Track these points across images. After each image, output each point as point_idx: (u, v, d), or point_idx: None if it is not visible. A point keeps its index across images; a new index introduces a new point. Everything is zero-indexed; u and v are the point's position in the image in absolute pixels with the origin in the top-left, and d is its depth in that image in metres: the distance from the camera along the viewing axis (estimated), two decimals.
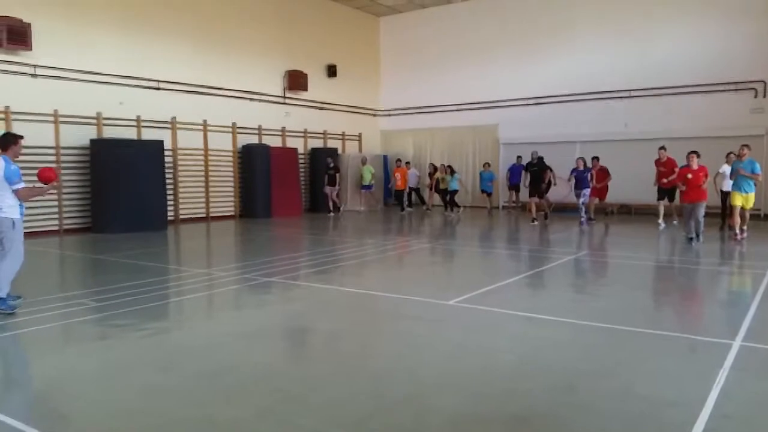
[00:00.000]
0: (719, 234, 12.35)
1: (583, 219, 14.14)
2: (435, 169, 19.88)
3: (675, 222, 14.00)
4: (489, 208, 18.77)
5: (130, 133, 14.87)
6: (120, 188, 13.68)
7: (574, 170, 14.08)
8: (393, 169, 20.31)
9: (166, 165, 15.26)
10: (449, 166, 18.97)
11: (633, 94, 18.17)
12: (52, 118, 13.50)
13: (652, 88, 17.81)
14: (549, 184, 15.73)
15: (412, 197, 20.72)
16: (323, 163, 19.01)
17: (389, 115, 23.52)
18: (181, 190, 16.15)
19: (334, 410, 3.65)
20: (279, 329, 5.71)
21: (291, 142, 19.46)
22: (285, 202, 18.15)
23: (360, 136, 22.52)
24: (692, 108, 17.14)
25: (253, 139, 18.22)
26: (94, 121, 14.27)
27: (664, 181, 13.13)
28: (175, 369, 4.47)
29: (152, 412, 3.68)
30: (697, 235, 10.62)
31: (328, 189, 18.63)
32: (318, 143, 20.62)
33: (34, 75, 13.21)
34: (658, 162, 13.72)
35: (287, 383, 4.11)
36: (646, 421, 3.47)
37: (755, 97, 16.60)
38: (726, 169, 12.39)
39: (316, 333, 5.75)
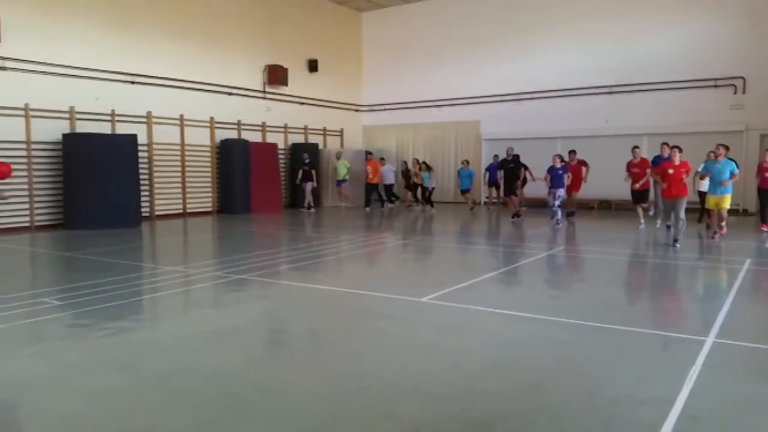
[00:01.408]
0: (696, 229, 12.29)
1: (558, 218, 13.48)
2: (406, 166, 19.71)
3: (651, 213, 13.67)
4: (471, 206, 18.40)
5: (105, 128, 14.56)
6: (93, 184, 13.37)
7: (550, 168, 13.76)
8: (365, 163, 19.60)
9: (141, 160, 14.99)
10: (424, 162, 18.68)
11: (614, 90, 18.17)
12: (22, 113, 13.16)
13: (632, 84, 17.82)
14: (524, 181, 15.63)
15: (388, 192, 20.22)
16: (309, 158, 18.64)
17: (371, 110, 23.35)
18: (156, 185, 15.86)
19: (285, 419, 3.48)
20: (244, 329, 5.53)
21: (271, 138, 19.22)
22: (264, 198, 17.93)
23: (342, 131, 22.33)
24: (672, 104, 17.17)
25: (232, 134, 17.96)
26: (67, 115, 13.95)
27: (636, 186, 12.92)
28: (130, 371, 4.28)
29: (94, 419, 3.50)
30: (675, 241, 10.05)
31: (306, 185, 18.23)
32: (299, 138, 20.39)
33: (3, 68, 12.87)
34: (631, 164, 13.16)
35: (241, 388, 3.93)
36: (613, 423, 3.36)
37: (735, 93, 16.65)
38: (700, 168, 11.85)
39: (281, 333, 5.59)
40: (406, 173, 20.00)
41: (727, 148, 11.88)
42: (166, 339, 5.21)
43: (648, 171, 12.78)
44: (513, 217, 14.85)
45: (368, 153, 19.82)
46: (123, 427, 3.40)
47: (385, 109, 22.85)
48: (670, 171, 10.30)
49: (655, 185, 12.76)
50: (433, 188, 18.29)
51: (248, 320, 5.88)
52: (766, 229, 11.79)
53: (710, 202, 11.06)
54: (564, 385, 3.93)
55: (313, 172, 18.36)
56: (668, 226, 10.80)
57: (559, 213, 13.54)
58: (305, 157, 18.38)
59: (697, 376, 4.03)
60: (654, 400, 3.63)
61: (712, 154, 11.46)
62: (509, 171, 15.22)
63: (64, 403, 3.73)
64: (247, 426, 3.39)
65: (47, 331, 5.46)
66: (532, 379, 4.04)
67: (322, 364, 4.49)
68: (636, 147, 13.45)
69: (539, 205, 17.15)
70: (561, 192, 13.57)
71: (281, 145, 19.51)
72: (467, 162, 18.93)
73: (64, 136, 13.58)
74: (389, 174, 19.65)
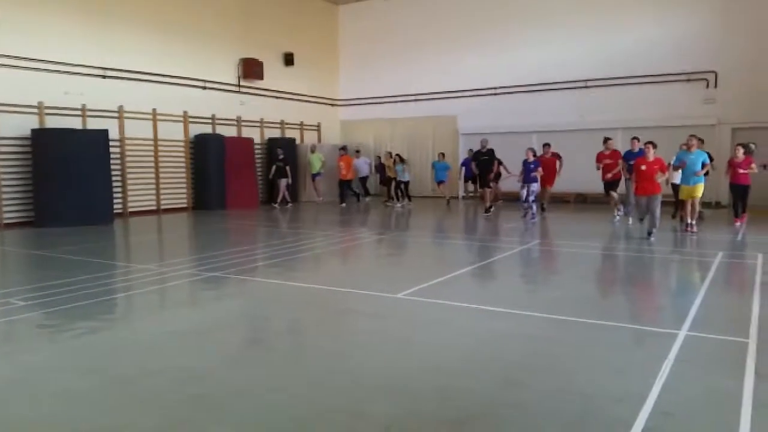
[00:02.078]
0: (671, 223, 12.41)
1: (533, 212, 13.43)
2: (380, 160, 19.61)
3: (619, 214, 13.07)
4: (447, 199, 18.25)
5: (75, 123, 14.24)
6: (63, 180, 13.09)
7: (524, 161, 13.73)
8: (337, 158, 19.14)
9: (113, 156, 14.70)
10: (398, 155, 18.42)
11: (588, 84, 18.29)
12: None
13: (606, 78, 17.94)
14: (498, 175, 15.59)
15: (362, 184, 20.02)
16: (284, 153, 18.36)
17: (349, 104, 23.21)
18: (129, 181, 15.58)
19: (255, 421, 3.41)
20: (217, 328, 5.42)
21: (247, 132, 19.00)
22: (240, 194, 17.73)
23: (319, 126, 22.17)
24: (646, 98, 17.33)
25: (207, 129, 17.71)
26: (36, 110, 13.61)
27: (609, 176, 12.95)
28: (97, 373, 4.16)
29: (58, 423, 3.39)
30: (649, 234, 10.13)
31: (280, 182, 17.95)
32: (275, 133, 20.18)
33: None
34: (602, 154, 13.17)
35: (212, 388, 3.84)
36: (585, 420, 3.34)
37: (707, 87, 16.86)
38: (672, 159, 11.87)
39: (255, 332, 5.49)
40: (380, 167, 19.79)
41: (701, 140, 11.99)
42: (136, 339, 5.09)
43: (620, 162, 12.83)
44: (486, 212, 14.78)
45: (341, 148, 19.50)
46: (88, 429, 3.29)
47: (363, 104, 22.73)
48: (643, 167, 10.31)
49: (627, 182, 12.80)
50: (408, 181, 18.11)
51: (221, 319, 5.78)
52: (738, 223, 11.96)
53: (684, 192, 11.12)
54: (537, 381, 3.91)
55: (288, 168, 18.03)
56: (641, 219, 10.86)
57: (534, 207, 13.55)
58: (279, 153, 18.12)
59: (670, 370, 4.04)
60: (627, 395, 3.63)
61: (684, 146, 11.51)
62: (483, 163, 15.08)
63: (21, 406, 3.61)
64: (217, 428, 3.31)
65: (11, 333, 5.30)
66: (506, 376, 4.02)
67: (295, 364, 4.41)
68: (609, 138, 13.50)
69: (515, 199, 17.18)
70: (534, 186, 13.56)
71: (257, 140, 19.29)
72: (443, 155, 18.57)
73: (33, 131, 13.25)
74: (364, 167, 19.44)
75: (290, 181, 18.15)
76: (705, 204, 13.41)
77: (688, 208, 11.09)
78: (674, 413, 3.42)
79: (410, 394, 3.73)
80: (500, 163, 15.45)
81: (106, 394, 3.78)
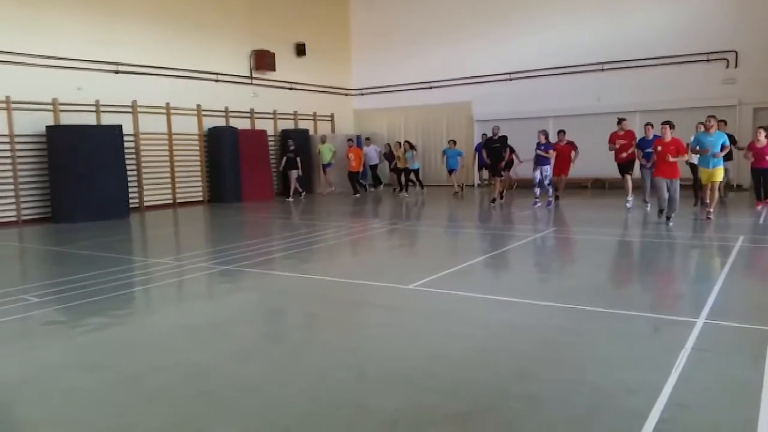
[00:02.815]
0: (691, 209, 12.05)
1: (549, 197, 13.14)
2: (389, 148, 19.37)
3: (630, 201, 12.70)
4: (460, 188, 17.61)
5: (89, 119, 14.33)
6: (79, 176, 13.19)
7: (537, 144, 13.39)
8: (345, 150, 18.79)
9: (128, 150, 14.78)
10: (407, 142, 18.11)
11: (605, 67, 17.96)
12: (4, 105, 12.93)
13: (624, 61, 17.61)
14: (510, 163, 15.19)
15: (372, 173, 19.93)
16: (294, 145, 18.24)
17: (362, 94, 23.08)
18: (145, 176, 15.67)
19: (261, 417, 3.37)
20: (228, 323, 5.40)
21: (260, 124, 18.98)
22: (255, 186, 17.74)
23: (332, 116, 22.08)
24: (664, 80, 16.97)
25: (220, 122, 17.73)
26: (50, 107, 13.71)
27: (623, 155, 12.52)
28: (104, 370, 4.15)
29: (62, 422, 3.38)
30: (668, 219, 9.86)
31: (291, 173, 17.82)
32: (288, 124, 20.14)
33: None
34: (616, 135, 12.76)
35: (218, 385, 3.81)
36: (597, 413, 3.24)
37: (727, 67, 16.47)
38: (691, 139, 11.27)
39: (265, 325, 5.47)
40: (389, 156, 19.47)
41: (724, 121, 11.60)
42: (146, 335, 5.09)
43: (634, 143, 12.46)
44: (492, 201, 14.38)
45: (350, 140, 19.28)
46: (93, 428, 3.28)
47: (376, 93, 22.59)
48: (659, 148, 10.07)
49: (642, 169, 12.40)
50: (417, 169, 17.73)
51: (233, 313, 5.76)
52: (760, 207, 11.66)
53: (703, 175, 10.73)
54: (549, 373, 3.82)
55: (298, 159, 17.84)
56: (660, 212, 10.40)
57: (550, 191, 13.34)
58: (289, 144, 17.99)
59: (687, 359, 3.93)
60: (641, 387, 3.53)
61: (701, 126, 11.03)
62: (495, 151, 14.53)
63: (26, 406, 3.61)
64: (221, 425, 3.27)
65: (23, 329, 5.33)
66: (517, 367, 3.93)
67: (304, 357, 4.37)
68: (623, 119, 13.04)
69: (531, 186, 16.95)
70: (547, 169, 13.29)
71: (270, 132, 19.27)
72: (454, 142, 18.18)
73: (48, 128, 13.35)
74: (374, 154, 19.27)
75: (300, 173, 17.95)
76: (728, 186, 13.05)
77: (708, 192, 10.71)
78: (690, 405, 3.32)
79: (419, 387, 3.67)
80: (512, 150, 14.96)
81: (112, 392, 3.77)
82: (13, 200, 13.17)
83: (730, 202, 12.78)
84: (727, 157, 11.13)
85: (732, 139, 12.50)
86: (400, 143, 18.55)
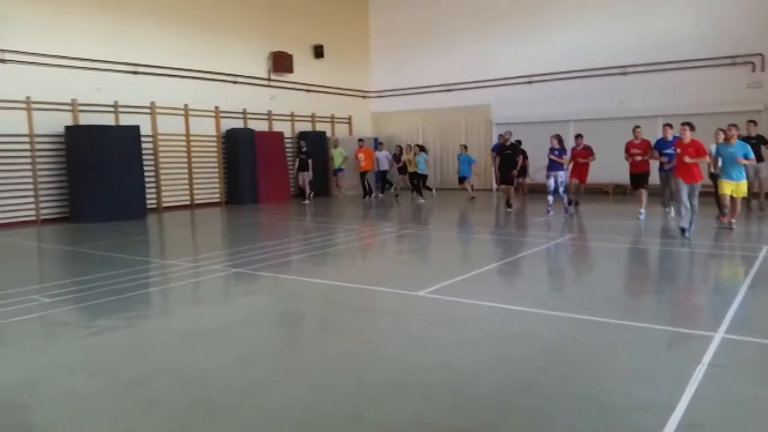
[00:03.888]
0: (711, 217, 11.55)
1: (565, 204, 12.73)
2: (401, 150, 19.11)
3: (642, 214, 11.87)
4: (471, 195, 17.11)
5: (108, 119, 14.45)
6: (97, 176, 13.30)
7: (550, 149, 12.89)
8: (356, 150, 18.85)
9: (146, 151, 14.88)
10: (417, 145, 17.75)
11: (628, 70, 17.65)
12: (24, 105, 13.09)
13: (647, 64, 17.28)
14: (523, 169, 14.70)
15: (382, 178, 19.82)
16: (309, 147, 18.22)
17: (380, 96, 23.01)
18: (163, 177, 15.76)
19: (253, 425, 3.29)
20: (233, 326, 5.34)
21: (277, 126, 19.00)
22: (272, 188, 17.76)
23: (350, 118, 22.03)
24: (688, 83, 16.62)
25: (238, 124, 17.78)
26: (69, 107, 13.85)
27: (637, 159, 11.85)
28: (106, 374, 4.12)
29: (57, 428, 3.34)
30: (684, 230, 9.29)
31: (301, 175, 17.77)
32: (306, 127, 20.14)
33: (3, 61, 12.78)
34: (631, 144, 12.13)
35: (217, 392, 3.74)
36: (604, 431, 3.11)
37: (753, 71, 16.07)
38: (713, 149, 10.56)
39: (270, 330, 5.39)
40: (398, 157, 19.16)
41: (754, 122, 11.11)
42: (150, 338, 5.05)
43: (649, 153, 11.92)
44: (509, 206, 14.00)
45: (360, 140, 19.19)
46: None
47: (395, 95, 22.50)
48: (678, 150, 9.72)
49: (661, 173, 11.90)
50: (426, 175, 17.35)
51: (241, 317, 5.70)
52: None
53: (724, 187, 10.00)
54: (557, 387, 3.68)
55: (310, 161, 17.76)
56: (682, 229, 9.58)
57: (566, 198, 12.92)
58: (302, 146, 17.98)
59: (702, 376, 3.76)
60: (653, 404, 3.38)
61: (720, 133, 10.27)
62: (506, 158, 14.08)
63: (24, 410, 3.57)
64: None
65: (28, 331, 5.31)
66: (524, 380, 3.80)
67: (307, 364, 4.28)
68: (637, 127, 12.44)
69: (544, 192, 16.65)
70: (562, 176, 12.75)
71: (288, 134, 19.28)
72: (465, 147, 17.84)
73: (67, 128, 13.49)
74: (384, 160, 19.12)
75: (311, 175, 17.85)
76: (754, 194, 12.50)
77: (726, 203, 10.05)
78: (704, 424, 3.17)
79: (419, 399, 3.56)
80: (525, 157, 14.47)
81: (111, 397, 3.72)
82: (32, 200, 13.31)
83: (754, 211, 12.36)
84: (759, 159, 10.63)
85: (763, 140, 12.11)
86: (410, 146, 17.99)
